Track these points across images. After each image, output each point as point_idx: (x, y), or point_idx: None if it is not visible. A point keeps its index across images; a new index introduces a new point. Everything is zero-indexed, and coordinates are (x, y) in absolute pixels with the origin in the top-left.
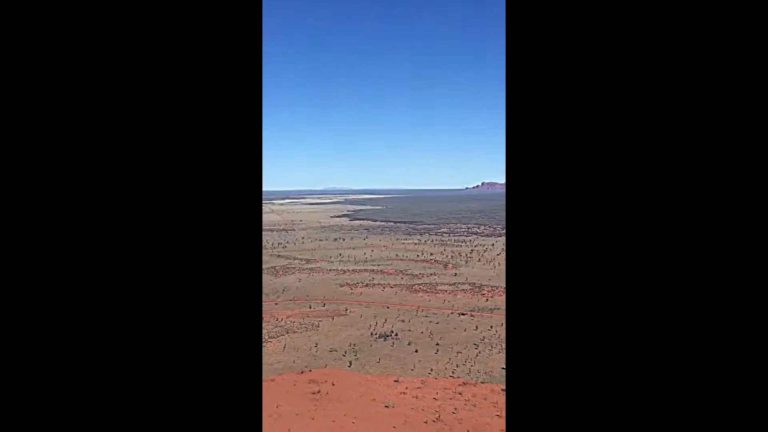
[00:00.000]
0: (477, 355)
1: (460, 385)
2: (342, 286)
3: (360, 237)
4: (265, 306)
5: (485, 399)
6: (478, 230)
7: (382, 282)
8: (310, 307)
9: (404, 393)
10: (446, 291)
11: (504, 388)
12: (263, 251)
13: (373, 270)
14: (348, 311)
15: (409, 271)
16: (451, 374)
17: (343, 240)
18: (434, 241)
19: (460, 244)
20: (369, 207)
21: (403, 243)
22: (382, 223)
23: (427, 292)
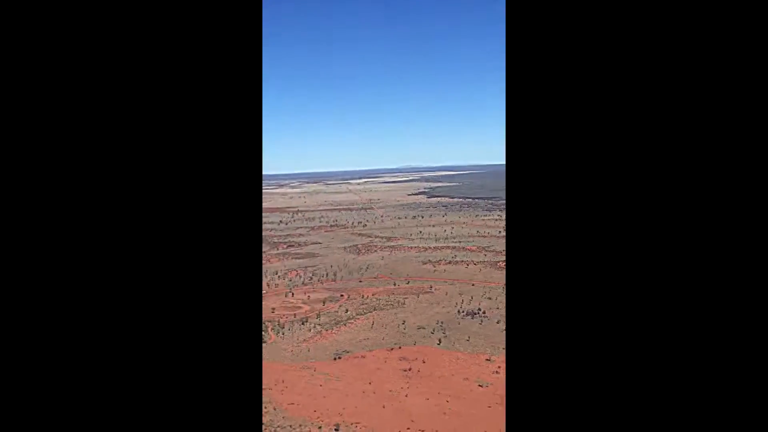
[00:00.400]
0: None
1: None
2: (425, 263)
3: (439, 214)
4: (350, 284)
5: None
6: None
7: (465, 259)
8: (394, 285)
9: (497, 372)
10: None
11: None
12: (344, 230)
13: (455, 247)
14: (433, 288)
15: (492, 248)
16: None
17: (422, 217)
18: None
19: None
20: (446, 184)
21: (483, 219)
22: (461, 199)
23: None
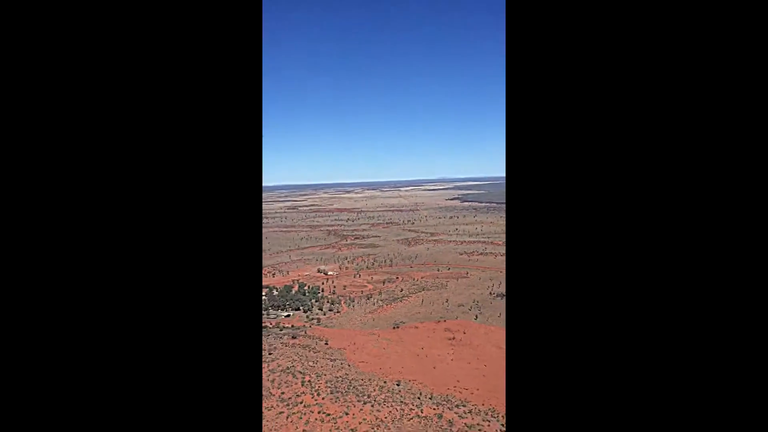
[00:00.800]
0: None
1: None
2: (461, 254)
3: (470, 215)
4: (403, 268)
5: None
6: None
7: (493, 251)
8: (438, 270)
9: None
10: None
11: None
12: (397, 226)
13: (485, 242)
14: (468, 274)
15: None
16: None
17: (457, 218)
18: None
19: None
20: (475, 191)
21: None
22: (488, 204)
23: None
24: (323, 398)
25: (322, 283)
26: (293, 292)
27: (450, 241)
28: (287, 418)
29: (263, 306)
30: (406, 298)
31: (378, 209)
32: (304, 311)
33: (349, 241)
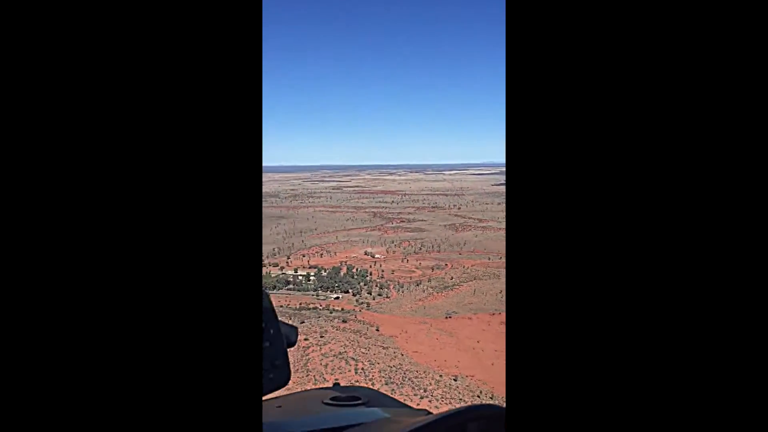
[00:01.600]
0: None
1: None
2: None
3: None
4: (452, 255)
5: None
6: None
7: None
8: (488, 259)
9: None
10: None
11: None
12: (443, 211)
13: None
14: None
15: None
16: None
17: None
18: None
19: None
20: None
21: None
22: None
23: None
24: (378, 389)
25: (370, 266)
26: (342, 274)
27: (499, 229)
28: None
29: (313, 286)
30: (456, 287)
31: (422, 192)
32: (353, 294)
33: (394, 224)
